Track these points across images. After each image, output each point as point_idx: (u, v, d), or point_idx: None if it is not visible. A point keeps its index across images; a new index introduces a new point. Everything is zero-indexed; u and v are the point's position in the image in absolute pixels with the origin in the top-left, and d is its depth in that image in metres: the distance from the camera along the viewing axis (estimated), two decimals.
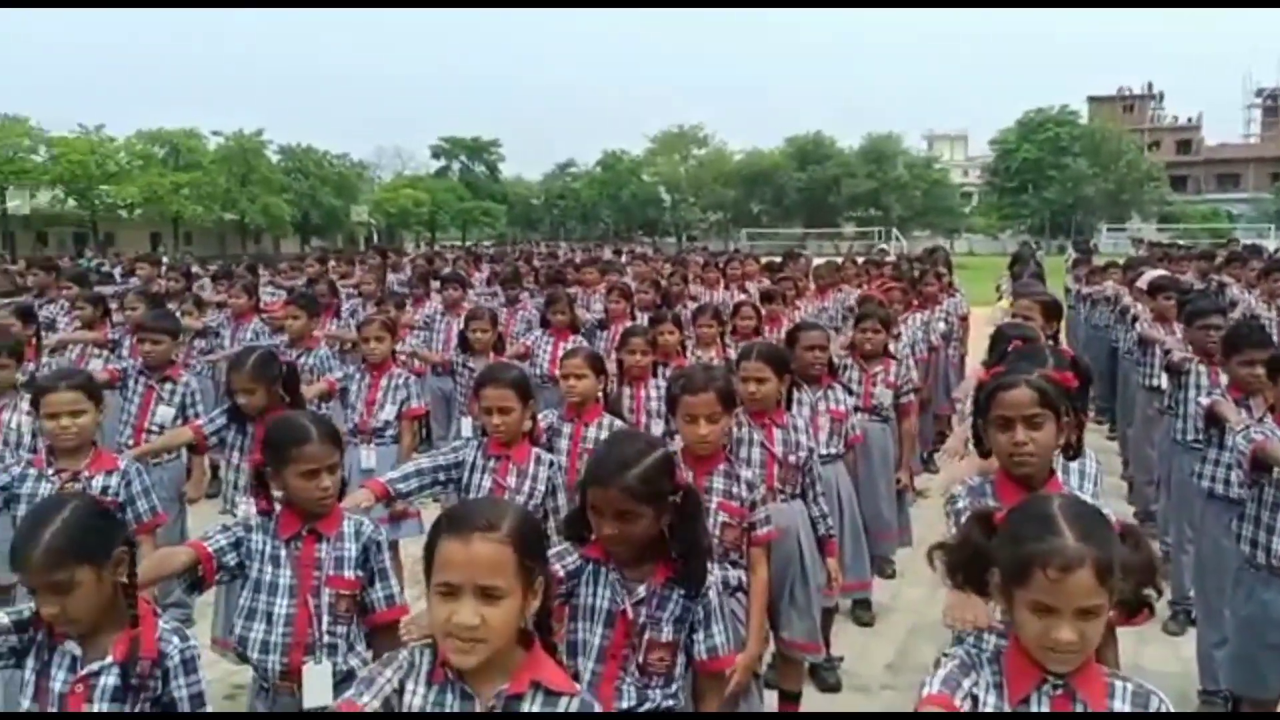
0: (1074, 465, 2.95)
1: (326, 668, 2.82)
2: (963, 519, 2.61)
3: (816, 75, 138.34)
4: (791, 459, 3.94)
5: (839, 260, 13.43)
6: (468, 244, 46.35)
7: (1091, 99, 72.93)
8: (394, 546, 4.61)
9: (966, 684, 1.81)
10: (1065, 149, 61.87)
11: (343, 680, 2.83)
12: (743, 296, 9.45)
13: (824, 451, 4.53)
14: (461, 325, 8.18)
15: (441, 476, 3.69)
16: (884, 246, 32.58)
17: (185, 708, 2.25)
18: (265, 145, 49.68)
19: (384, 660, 1.84)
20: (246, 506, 4.22)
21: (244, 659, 2.88)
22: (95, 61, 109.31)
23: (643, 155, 70.39)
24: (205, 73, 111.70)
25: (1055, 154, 61.66)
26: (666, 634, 2.46)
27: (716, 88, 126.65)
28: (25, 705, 2.22)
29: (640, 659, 2.44)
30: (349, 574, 2.84)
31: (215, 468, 7.01)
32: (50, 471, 3.47)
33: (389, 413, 5.49)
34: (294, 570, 2.82)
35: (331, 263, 13.35)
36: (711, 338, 6.74)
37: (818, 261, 13.01)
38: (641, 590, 2.44)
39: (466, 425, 6.37)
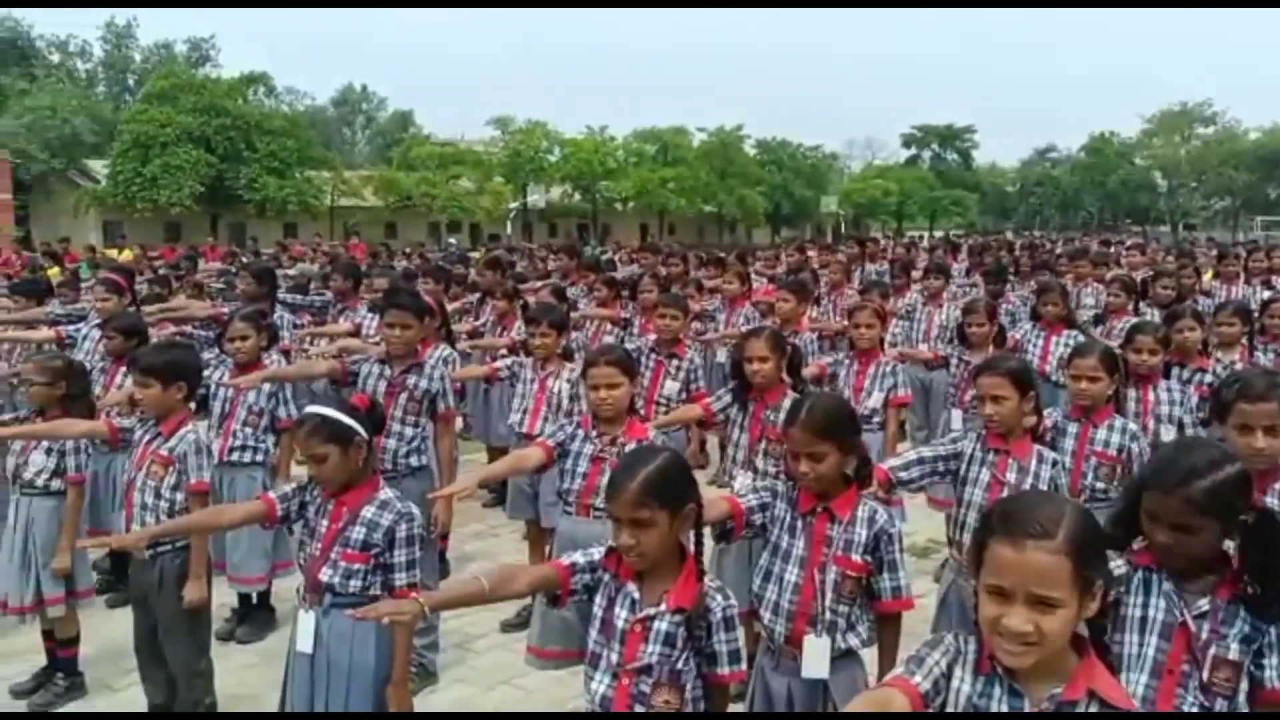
0: None
1: (825, 642, 2.92)
2: None
3: None
4: None
5: None
6: (940, 233, 45.21)
7: None
8: None
9: None
10: None
11: (839, 657, 2.93)
12: (1269, 293, 8.35)
13: None
14: (942, 316, 8.08)
15: (941, 467, 3.66)
16: None
17: (724, 661, 2.43)
18: (744, 140, 52.08)
19: (931, 641, 1.86)
20: (743, 479, 4.51)
21: (756, 617, 3.06)
22: (602, 66, 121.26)
23: (1136, 137, 64.16)
24: (696, 72, 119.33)
25: None
26: (1234, 652, 2.23)
27: (1227, 60, 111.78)
28: (593, 636, 2.52)
29: (1204, 676, 2.24)
30: (856, 557, 2.90)
31: (702, 442, 7.55)
32: (594, 434, 3.90)
33: (876, 400, 5.55)
34: (807, 543, 2.94)
35: (811, 253, 13.69)
36: (1234, 338, 6.01)
37: None
38: (1204, 604, 2.24)
39: (956, 417, 6.27)
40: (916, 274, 9.92)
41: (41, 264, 16.75)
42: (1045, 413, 4.00)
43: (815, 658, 2.93)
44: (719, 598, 2.43)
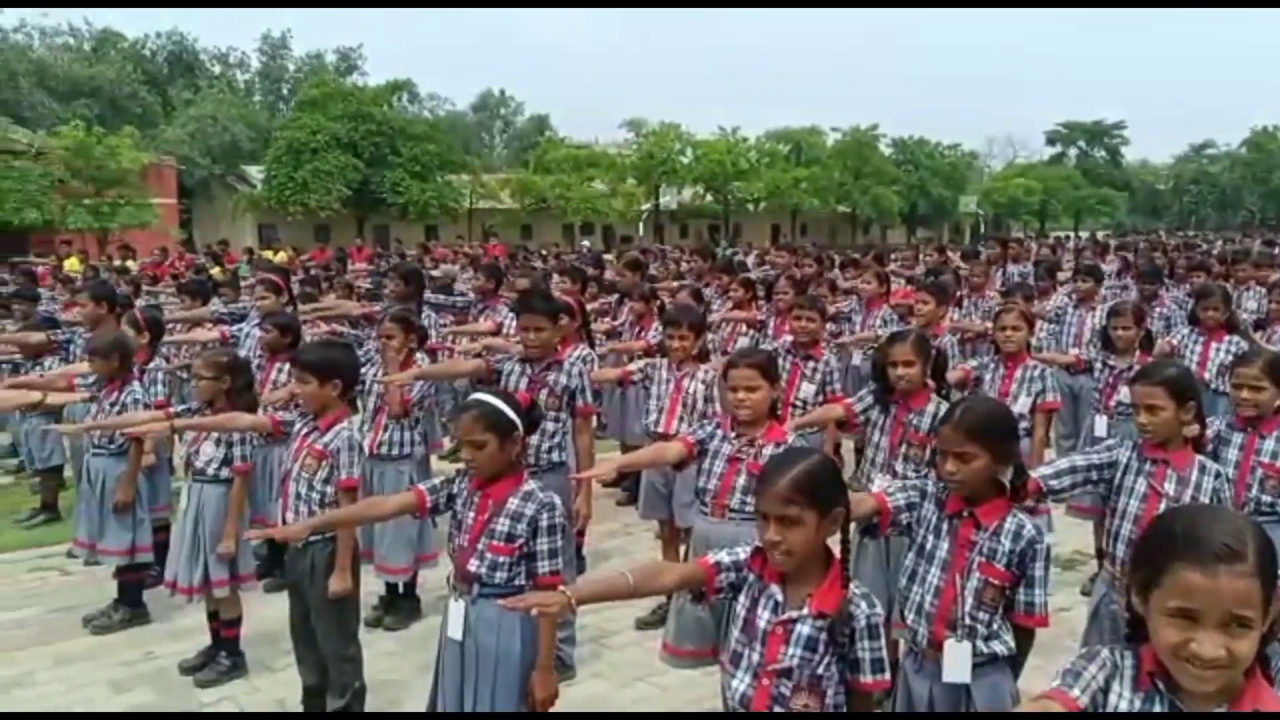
0: None
1: (966, 648, 2.89)
2: None
3: None
4: None
5: None
6: (1086, 233, 43.47)
7: None
8: None
9: None
10: None
11: (983, 664, 2.89)
12: None
13: None
14: (1094, 320, 7.77)
15: (1094, 476, 3.54)
16: None
17: (867, 669, 2.40)
18: (879, 139, 51.22)
19: (1087, 655, 1.81)
20: (881, 481, 4.45)
21: (902, 618, 3.04)
22: (736, 67, 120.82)
23: None
24: (831, 72, 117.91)
25: None
26: None
27: None
28: (735, 635, 2.53)
29: None
30: (1000, 566, 2.87)
31: (837, 445, 7.46)
32: (733, 435, 3.90)
33: (1023, 404, 5.38)
34: (950, 546, 2.92)
35: (950, 254, 13.37)
36: None
37: None
38: None
39: (1100, 424, 6.06)
40: (1062, 275, 9.58)
41: (205, 265, 17.73)
42: (1208, 421, 3.82)
43: (956, 662, 2.91)
44: (864, 604, 2.41)
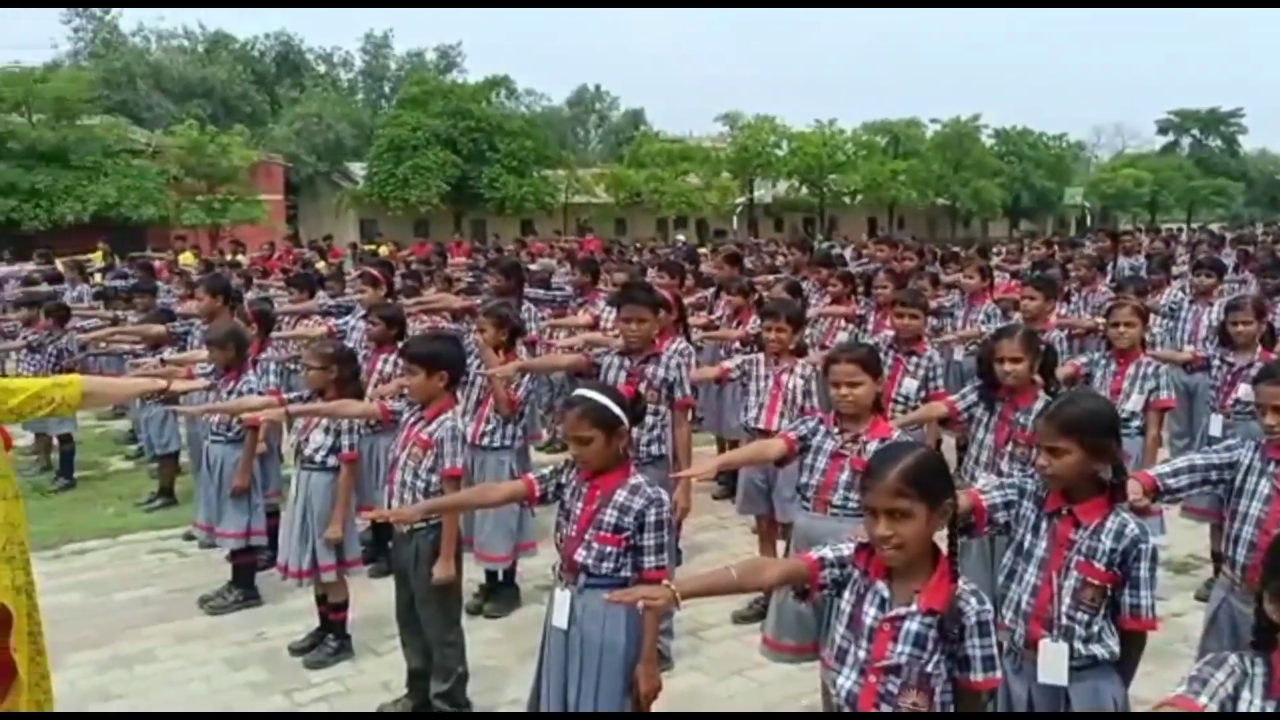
0: None
1: (1062, 648, 2.83)
2: None
3: None
4: None
5: None
6: (1198, 225, 41.82)
7: None
8: None
9: None
10: None
11: (1084, 667, 2.82)
12: None
13: None
14: (1211, 315, 7.48)
15: (1213, 476, 3.41)
16: None
17: (977, 667, 2.36)
18: (980, 130, 49.98)
19: (1213, 661, 1.76)
20: (985, 480, 4.35)
21: (1001, 617, 2.97)
22: (833, 60, 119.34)
23: None
24: (932, 63, 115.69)
25: None
26: None
27: None
28: (840, 631, 2.50)
29: None
30: (1099, 566, 2.79)
31: (938, 442, 7.33)
32: (835, 430, 3.87)
33: (1135, 403, 5.22)
34: (1049, 544, 2.87)
35: (1056, 248, 13.00)
36: None
37: None
38: None
39: (1216, 423, 5.86)
40: (1176, 270, 9.25)
41: (310, 259, 18.27)
42: None
43: (1051, 663, 2.85)
44: (973, 601, 2.37)
